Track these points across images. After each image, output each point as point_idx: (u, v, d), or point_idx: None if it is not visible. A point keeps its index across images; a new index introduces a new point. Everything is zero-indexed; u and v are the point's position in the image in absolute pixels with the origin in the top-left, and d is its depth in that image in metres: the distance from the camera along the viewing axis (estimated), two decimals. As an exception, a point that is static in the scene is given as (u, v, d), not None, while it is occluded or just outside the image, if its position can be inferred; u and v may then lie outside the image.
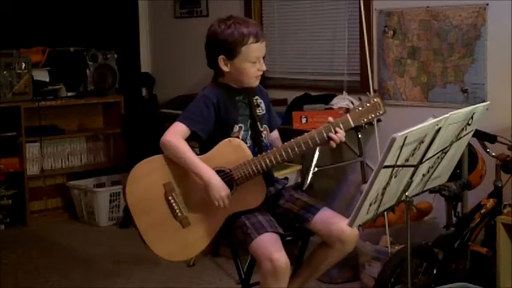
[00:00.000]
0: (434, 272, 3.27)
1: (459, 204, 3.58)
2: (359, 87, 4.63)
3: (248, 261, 3.02)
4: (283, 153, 2.70)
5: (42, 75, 5.51)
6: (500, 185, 3.45)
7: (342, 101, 4.46)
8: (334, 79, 4.89)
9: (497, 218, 3.31)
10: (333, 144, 2.69)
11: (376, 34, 4.55)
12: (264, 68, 2.83)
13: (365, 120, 2.69)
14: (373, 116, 2.69)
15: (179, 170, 2.75)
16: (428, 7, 4.26)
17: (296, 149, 2.69)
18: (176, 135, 2.74)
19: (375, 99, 2.69)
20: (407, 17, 4.37)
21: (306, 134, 2.71)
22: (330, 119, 2.69)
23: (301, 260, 3.11)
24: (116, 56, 5.80)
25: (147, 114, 5.61)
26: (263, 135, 2.90)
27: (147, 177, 2.76)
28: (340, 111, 4.35)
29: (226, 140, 2.78)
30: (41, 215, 5.53)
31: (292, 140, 2.70)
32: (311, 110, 4.46)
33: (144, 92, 6.30)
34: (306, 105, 4.58)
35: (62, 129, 5.65)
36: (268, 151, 2.75)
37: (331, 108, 4.43)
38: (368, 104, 2.68)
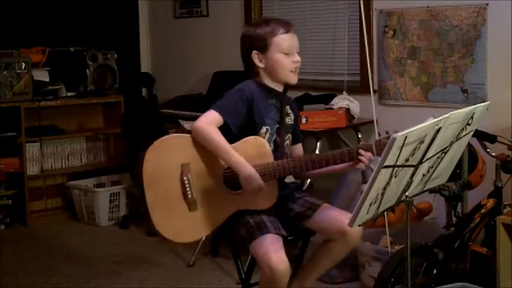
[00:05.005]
0: (434, 272, 3.27)
1: (459, 204, 3.58)
2: (359, 87, 4.64)
3: (248, 261, 3.02)
4: (304, 164, 2.76)
5: (42, 75, 5.50)
6: (500, 185, 3.45)
7: (342, 101, 4.46)
8: (334, 79, 4.89)
9: (497, 218, 3.31)
10: (362, 166, 2.79)
11: (376, 34, 4.55)
12: (298, 58, 2.87)
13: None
14: None
15: (200, 154, 2.76)
16: (428, 7, 4.26)
17: (318, 163, 2.76)
18: (210, 122, 2.75)
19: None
20: (407, 17, 4.36)
21: (329, 152, 2.79)
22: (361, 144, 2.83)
23: (301, 260, 3.11)
24: (116, 56, 5.79)
25: (147, 114, 5.61)
26: (286, 143, 2.93)
27: (169, 152, 2.76)
28: (340, 112, 4.36)
29: (253, 137, 2.80)
30: (41, 215, 5.52)
31: (316, 154, 2.76)
32: (311, 110, 4.46)
33: (144, 92, 6.31)
34: (306, 105, 4.58)
35: (62, 129, 5.65)
36: (289, 159, 2.80)
37: (331, 108, 4.43)
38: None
